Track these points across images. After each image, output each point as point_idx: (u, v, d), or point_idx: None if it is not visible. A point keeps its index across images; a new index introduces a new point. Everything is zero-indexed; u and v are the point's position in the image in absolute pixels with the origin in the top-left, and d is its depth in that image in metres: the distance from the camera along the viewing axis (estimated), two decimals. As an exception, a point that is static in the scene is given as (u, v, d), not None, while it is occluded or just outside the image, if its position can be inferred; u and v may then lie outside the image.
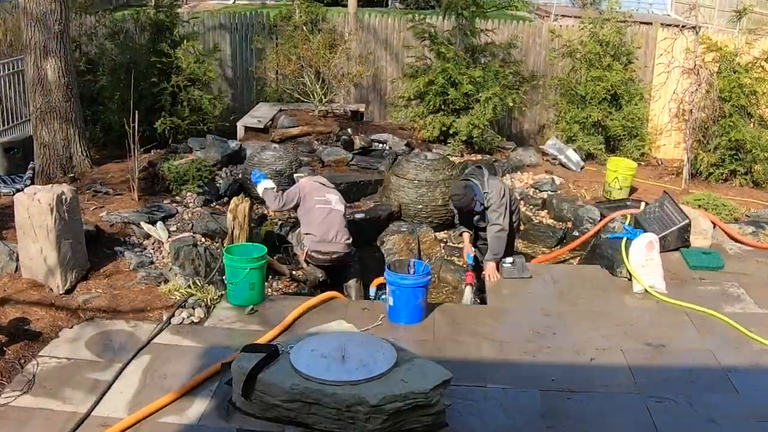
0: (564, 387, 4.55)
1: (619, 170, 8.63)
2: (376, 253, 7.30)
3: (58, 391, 4.33)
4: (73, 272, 5.49)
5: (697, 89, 9.17)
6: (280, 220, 7.41)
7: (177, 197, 7.48)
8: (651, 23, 11.01)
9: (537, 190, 8.68)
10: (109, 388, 4.38)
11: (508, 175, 9.03)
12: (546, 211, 8.36)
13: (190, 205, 7.38)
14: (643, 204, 7.95)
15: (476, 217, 6.27)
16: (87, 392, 4.32)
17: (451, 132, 9.73)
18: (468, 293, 6.14)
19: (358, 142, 9.45)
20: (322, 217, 6.24)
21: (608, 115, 10.01)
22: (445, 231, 7.74)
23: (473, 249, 6.39)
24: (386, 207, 7.75)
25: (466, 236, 6.40)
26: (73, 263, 5.49)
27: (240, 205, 6.32)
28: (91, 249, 5.88)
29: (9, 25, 10.18)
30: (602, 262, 6.44)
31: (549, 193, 8.57)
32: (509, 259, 6.14)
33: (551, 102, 10.63)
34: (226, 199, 7.62)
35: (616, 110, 10.10)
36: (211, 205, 7.51)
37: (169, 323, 5.21)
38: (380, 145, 9.53)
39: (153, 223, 6.74)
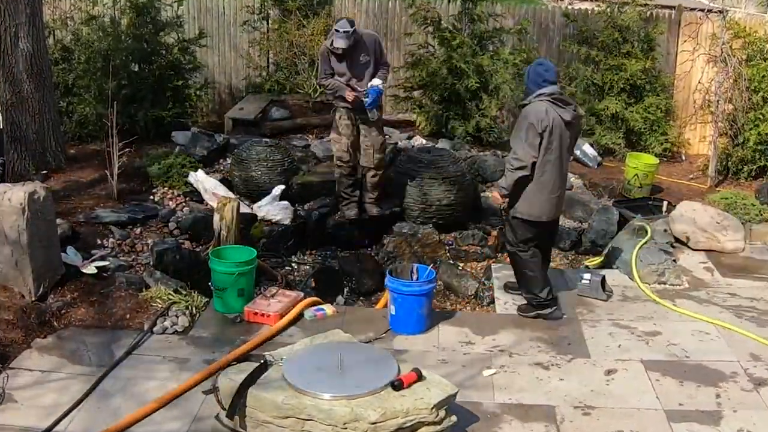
0: (580, 401, 4.56)
1: (640, 166, 8.62)
2: (376, 257, 7.30)
3: (31, 406, 4.33)
4: (47, 277, 5.49)
5: (724, 79, 9.16)
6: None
7: (159, 195, 7.48)
8: (674, 7, 10.99)
9: (550, 189, 8.66)
10: (80, 402, 4.37)
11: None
12: (559, 210, 8.34)
13: (173, 203, 7.38)
14: (665, 203, 7.96)
15: None
16: (61, 407, 4.31)
17: (457, 125, 9.72)
18: None
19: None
20: None
21: (627, 107, 10.00)
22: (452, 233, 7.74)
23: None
24: (387, 206, 7.75)
25: None
26: (47, 267, 5.48)
27: (228, 204, 6.31)
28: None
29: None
30: (621, 267, 6.44)
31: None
32: (587, 275, 6.06)
33: (566, 93, 10.63)
34: (212, 197, 7.62)
35: (637, 101, 10.09)
36: (197, 203, 7.50)
37: (151, 332, 5.21)
38: (380, 140, 9.53)
39: (133, 223, 6.77)
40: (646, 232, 6.70)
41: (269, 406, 3.97)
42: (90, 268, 5.77)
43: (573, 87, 10.46)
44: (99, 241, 6.42)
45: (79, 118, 9.13)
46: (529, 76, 5.49)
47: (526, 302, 5.75)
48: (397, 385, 4.00)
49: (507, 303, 5.92)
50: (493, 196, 5.99)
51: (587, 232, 7.81)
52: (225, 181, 7.96)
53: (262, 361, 4.23)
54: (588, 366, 4.98)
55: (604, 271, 6.41)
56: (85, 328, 5.22)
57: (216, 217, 6.34)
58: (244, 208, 7.06)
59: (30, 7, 7.49)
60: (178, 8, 9.83)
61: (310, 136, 9.54)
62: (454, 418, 4.07)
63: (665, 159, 9.92)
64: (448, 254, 7.46)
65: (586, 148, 9.70)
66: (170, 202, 7.42)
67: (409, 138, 9.54)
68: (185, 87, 9.64)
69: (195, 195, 7.58)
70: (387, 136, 9.62)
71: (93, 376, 4.65)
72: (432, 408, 3.92)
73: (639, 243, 6.45)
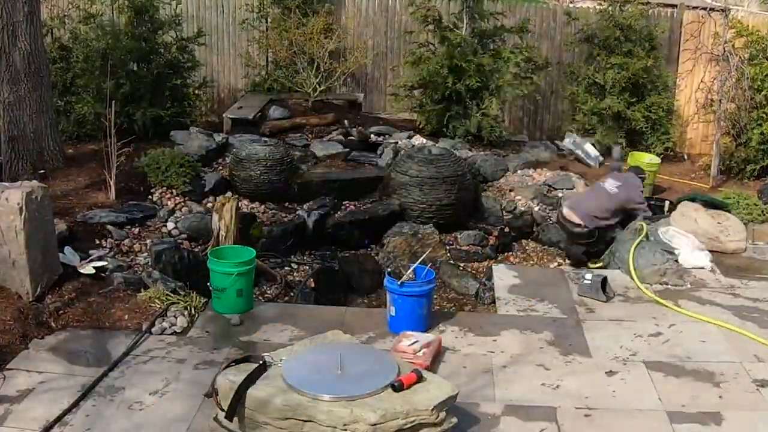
0: (581, 403, 4.55)
1: (641, 166, 8.62)
2: (376, 257, 7.30)
3: (29, 408, 4.33)
4: (44, 277, 5.49)
5: (726, 78, 9.17)
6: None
7: (158, 195, 7.48)
8: (676, 5, 11.00)
9: (551, 188, 8.67)
10: (78, 403, 4.37)
11: (519, 171, 9.04)
12: (561, 210, 8.35)
13: (172, 203, 7.38)
14: (666, 203, 7.97)
15: None
16: (59, 409, 4.31)
17: (457, 124, 9.72)
18: None
19: (356, 135, 9.45)
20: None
21: (629, 106, 10.00)
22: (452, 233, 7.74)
23: None
24: (387, 206, 7.75)
25: None
26: (44, 268, 5.48)
27: (226, 204, 6.32)
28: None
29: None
30: (623, 267, 6.44)
31: (564, 191, 8.56)
32: (588, 276, 6.08)
33: (567, 92, 10.64)
34: (211, 197, 7.62)
35: (638, 100, 10.10)
36: (196, 203, 7.50)
37: (149, 333, 5.20)
38: (380, 139, 9.53)
39: (132, 223, 6.78)
40: (642, 231, 6.72)
41: (268, 407, 3.97)
42: (88, 269, 5.77)
43: (575, 86, 10.47)
44: (97, 242, 6.42)
45: (77, 118, 9.14)
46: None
47: None
48: (397, 386, 4.00)
49: (508, 303, 5.92)
50: None
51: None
52: (225, 181, 7.97)
53: (261, 362, 4.22)
54: (589, 367, 4.97)
55: (606, 272, 6.41)
56: (83, 329, 5.21)
57: (215, 217, 6.34)
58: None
59: (28, 5, 7.48)
60: (176, 6, 9.84)
61: (310, 135, 9.54)
62: (454, 420, 4.07)
63: (667, 158, 9.92)
64: (448, 254, 7.47)
65: (588, 148, 9.71)
66: (169, 202, 7.42)
67: (410, 137, 9.54)
68: (184, 86, 9.64)
69: (194, 195, 7.58)
70: (387, 136, 9.65)
71: (91, 377, 4.64)
72: (432, 409, 3.92)
73: (635, 243, 6.46)
